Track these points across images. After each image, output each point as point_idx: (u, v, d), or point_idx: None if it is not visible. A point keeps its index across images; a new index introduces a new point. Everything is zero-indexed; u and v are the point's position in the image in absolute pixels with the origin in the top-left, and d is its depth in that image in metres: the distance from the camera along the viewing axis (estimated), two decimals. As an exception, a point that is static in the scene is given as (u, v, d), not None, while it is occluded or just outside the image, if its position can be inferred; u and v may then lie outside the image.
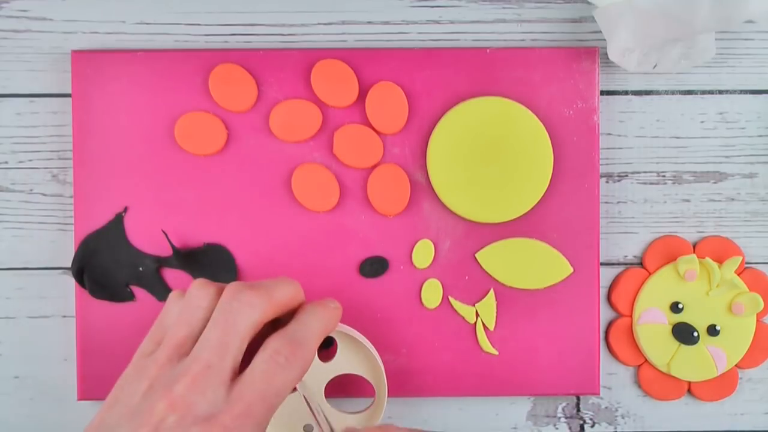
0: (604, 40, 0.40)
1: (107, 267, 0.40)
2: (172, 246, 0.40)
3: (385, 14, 0.42)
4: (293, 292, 0.33)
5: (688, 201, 0.42)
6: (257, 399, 0.29)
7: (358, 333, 0.37)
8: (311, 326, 0.32)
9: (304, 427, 0.37)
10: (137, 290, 0.41)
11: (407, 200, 0.40)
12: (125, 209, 0.40)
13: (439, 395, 0.41)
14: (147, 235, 0.40)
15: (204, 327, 0.31)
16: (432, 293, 0.41)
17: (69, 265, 0.41)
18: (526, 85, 0.41)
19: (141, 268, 0.40)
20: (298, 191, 0.40)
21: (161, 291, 0.40)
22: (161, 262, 0.40)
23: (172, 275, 0.41)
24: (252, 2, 0.42)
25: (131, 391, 0.30)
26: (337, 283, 0.41)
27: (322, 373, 0.37)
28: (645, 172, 0.42)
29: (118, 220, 0.40)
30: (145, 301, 0.40)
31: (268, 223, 0.41)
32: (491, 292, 0.41)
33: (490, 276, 0.41)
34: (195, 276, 0.40)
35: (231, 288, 0.32)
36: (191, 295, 0.32)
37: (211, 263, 0.40)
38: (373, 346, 0.38)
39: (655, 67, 0.41)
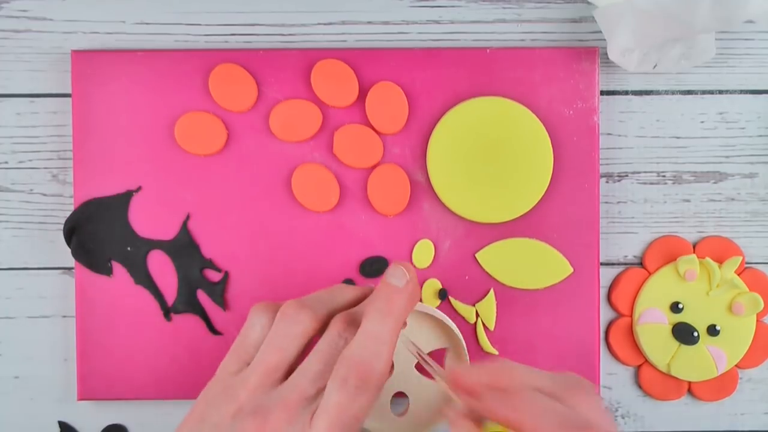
0: (604, 40, 0.40)
1: (99, 235, 0.40)
2: (185, 228, 0.40)
3: (385, 14, 0.42)
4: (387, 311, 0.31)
5: (688, 201, 0.42)
6: (335, 428, 0.28)
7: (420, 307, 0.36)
8: (381, 338, 0.29)
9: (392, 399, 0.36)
10: (116, 268, 0.40)
11: (407, 200, 0.40)
12: (138, 188, 0.40)
13: (439, 395, 0.41)
14: (144, 221, 0.41)
15: (297, 353, 0.30)
16: (432, 293, 0.41)
17: (69, 265, 0.41)
18: (526, 85, 0.41)
19: (129, 248, 0.40)
20: (298, 191, 0.40)
21: (141, 274, 0.40)
22: (152, 245, 0.40)
23: (153, 263, 0.41)
24: (252, 2, 0.42)
25: (219, 410, 0.29)
26: (338, 283, 0.41)
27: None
28: (645, 172, 0.42)
29: (126, 196, 0.40)
30: (121, 278, 0.40)
31: (268, 223, 0.41)
32: (491, 292, 0.41)
33: (490, 276, 0.41)
34: (177, 265, 0.40)
35: (337, 322, 0.30)
36: (286, 319, 0.31)
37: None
38: (436, 311, 0.36)
39: (655, 67, 0.41)
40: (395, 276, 0.31)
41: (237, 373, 0.31)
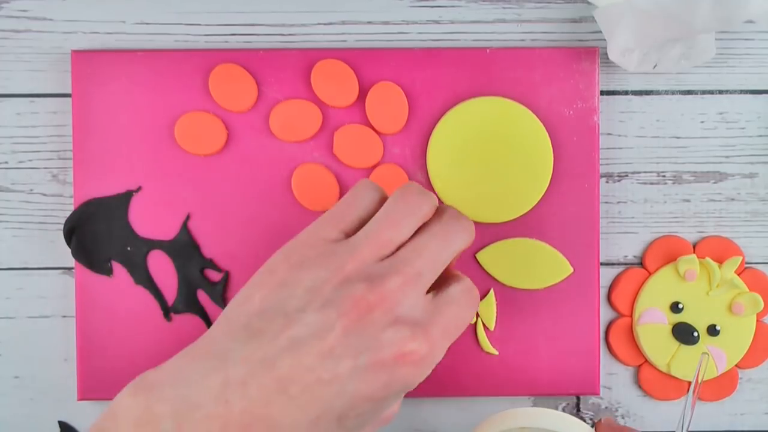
0: (604, 40, 0.40)
1: (98, 235, 0.40)
2: (185, 228, 0.40)
3: (385, 14, 0.42)
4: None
5: (688, 201, 0.42)
6: (454, 322, 0.28)
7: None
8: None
9: None
10: (116, 268, 0.40)
11: (407, 200, 0.40)
12: (138, 188, 0.40)
13: (439, 395, 0.41)
14: (144, 221, 0.41)
15: (410, 234, 0.29)
16: (432, 293, 0.41)
17: (69, 265, 0.41)
18: (526, 85, 0.41)
19: (129, 248, 0.40)
20: (298, 191, 0.40)
21: (141, 274, 0.40)
22: (152, 245, 0.40)
23: (153, 263, 0.41)
24: (252, 2, 0.42)
25: (317, 276, 0.27)
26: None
27: None
28: (645, 172, 0.42)
29: (126, 196, 0.40)
30: (121, 278, 0.40)
31: (269, 223, 0.41)
32: (491, 292, 0.41)
33: (490, 276, 0.41)
34: (177, 265, 0.40)
35: (452, 210, 0.30)
36: (410, 198, 0.29)
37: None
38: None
39: (655, 67, 0.41)
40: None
41: (336, 241, 0.29)
